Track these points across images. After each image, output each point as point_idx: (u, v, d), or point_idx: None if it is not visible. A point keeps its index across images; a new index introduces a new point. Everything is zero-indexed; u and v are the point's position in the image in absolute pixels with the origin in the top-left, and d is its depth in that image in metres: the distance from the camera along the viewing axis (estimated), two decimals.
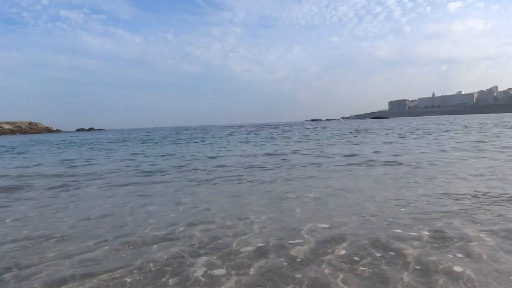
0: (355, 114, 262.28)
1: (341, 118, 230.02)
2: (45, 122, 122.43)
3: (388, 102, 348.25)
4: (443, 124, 41.43)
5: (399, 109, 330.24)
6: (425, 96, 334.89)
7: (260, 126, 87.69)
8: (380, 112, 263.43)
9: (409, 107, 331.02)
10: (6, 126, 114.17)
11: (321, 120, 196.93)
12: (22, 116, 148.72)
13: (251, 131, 45.65)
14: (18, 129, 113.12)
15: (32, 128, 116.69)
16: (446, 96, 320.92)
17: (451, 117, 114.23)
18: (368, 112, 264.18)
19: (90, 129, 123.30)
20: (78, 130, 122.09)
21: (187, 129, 77.09)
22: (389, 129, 33.16)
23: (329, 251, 3.47)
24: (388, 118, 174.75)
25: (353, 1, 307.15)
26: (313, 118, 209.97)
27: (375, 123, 71.70)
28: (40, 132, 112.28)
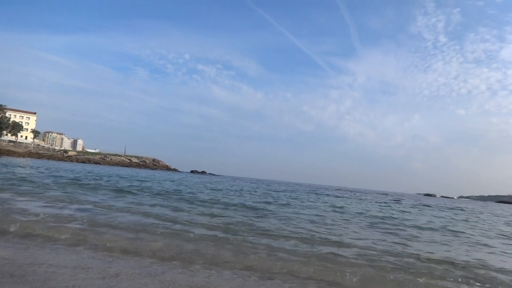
0: (477, 195, 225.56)
1: (460, 197, 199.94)
2: (164, 159, 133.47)
3: None
4: None
5: None
6: None
7: (386, 195, 79.07)
8: (509, 196, 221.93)
9: None
10: (134, 160, 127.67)
11: (435, 196, 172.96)
12: (146, 151, 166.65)
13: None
14: (143, 164, 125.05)
15: (154, 165, 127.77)
16: None
17: None
18: (493, 194, 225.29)
19: (203, 172, 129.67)
20: (192, 171, 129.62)
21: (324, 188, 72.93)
22: None
23: None
24: None
25: (486, 75, 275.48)
26: (426, 193, 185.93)
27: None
28: (160, 169, 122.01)
